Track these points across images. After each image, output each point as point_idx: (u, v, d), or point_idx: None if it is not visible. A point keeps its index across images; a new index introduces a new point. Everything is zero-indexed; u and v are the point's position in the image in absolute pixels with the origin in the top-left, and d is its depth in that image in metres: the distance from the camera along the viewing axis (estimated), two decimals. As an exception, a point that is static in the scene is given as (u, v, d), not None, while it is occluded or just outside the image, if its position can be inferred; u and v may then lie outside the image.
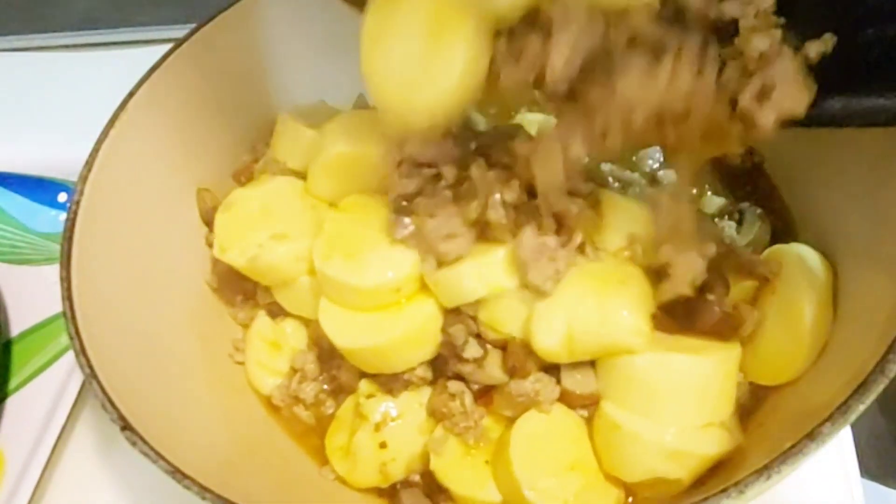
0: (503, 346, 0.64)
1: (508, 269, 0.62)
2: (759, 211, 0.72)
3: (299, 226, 0.70)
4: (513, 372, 0.63)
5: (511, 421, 0.63)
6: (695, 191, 0.76)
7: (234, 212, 0.72)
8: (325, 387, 0.72)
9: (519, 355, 0.62)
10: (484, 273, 0.62)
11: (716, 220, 0.72)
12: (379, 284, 0.63)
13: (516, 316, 0.62)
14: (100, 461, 0.76)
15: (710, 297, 0.62)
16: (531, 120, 0.82)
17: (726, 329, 0.62)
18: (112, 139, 0.69)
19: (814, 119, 0.47)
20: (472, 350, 0.63)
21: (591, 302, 0.60)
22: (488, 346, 0.64)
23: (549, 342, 0.60)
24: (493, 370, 0.64)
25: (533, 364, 0.63)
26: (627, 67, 0.48)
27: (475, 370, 0.64)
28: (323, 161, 0.71)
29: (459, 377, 0.65)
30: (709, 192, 0.77)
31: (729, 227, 0.72)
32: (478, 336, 0.64)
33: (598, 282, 0.61)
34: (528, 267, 0.60)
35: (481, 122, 0.81)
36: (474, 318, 0.64)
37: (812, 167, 0.70)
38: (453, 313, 0.64)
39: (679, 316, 0.62)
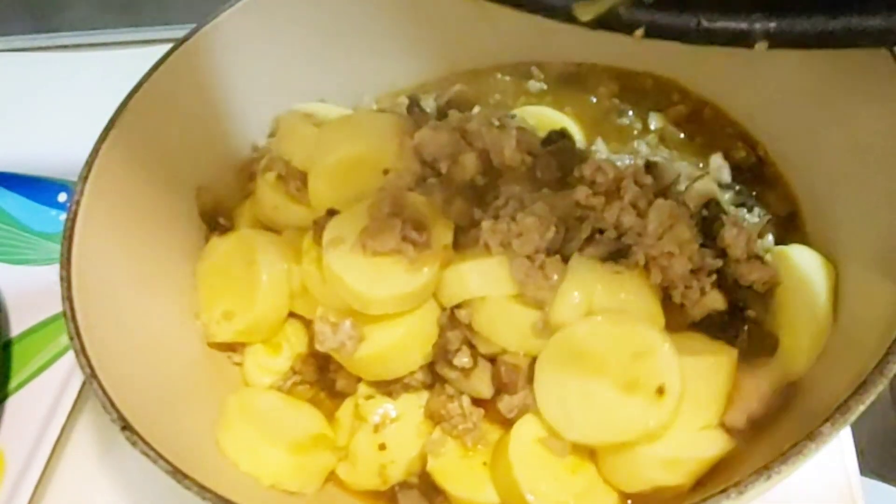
0: (493, 360, 0.64)
1: (506, 273, 0.62)
2: (768, 218, 0.72)
3: (246, 297, 0.70)
4: (502, 388, 0.63)
5: (509, 424, 0.63)
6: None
7: (209, 264, 0.74)
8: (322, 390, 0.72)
9: (510, 371, 0.62)
10: (484, 273, 0.63)
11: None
12: (393, 295, 0.63)
13: (511, 327, 0.63)
14: (100, 461, 0.75)
15: (750, 312, 0.63)
16: (530, 112, 0.82)
17: (766, 348, 0.62)
18: (112, 139, 0.69)
19: (814, 39, 0.46)
20: (463, 359, 0.63)
21: (612, 285, 0.61)
22: (480, 360, 0.64)
23: (569, 318, 0.60)
24: (480, 384, 0.64)
25: (523, 380, 0.63)
26: None
27: (460, 378, 0.64)
28: (322, 167, 0.71)
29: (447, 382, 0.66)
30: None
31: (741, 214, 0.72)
32: (472, 347, 0.64)
33: (615, 274, 0.62)
34: (524, 285, 0.61)
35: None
36: (470, 327, 0.64)
37: (819, 163, 0.70)
38: (452, 319, 0.65)
39: (715, 330, 0.63)
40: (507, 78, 0.88)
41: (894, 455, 1.08)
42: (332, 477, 0.67)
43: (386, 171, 0.70)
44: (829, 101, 0.67)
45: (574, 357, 0.59)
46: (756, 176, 0.75)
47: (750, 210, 0.73)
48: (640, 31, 0.47)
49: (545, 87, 0.87)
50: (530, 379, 0.62)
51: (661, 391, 0.56)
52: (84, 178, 0.66)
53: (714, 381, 0.60)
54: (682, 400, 0.57)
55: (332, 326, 0.64)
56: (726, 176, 0.74)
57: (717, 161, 0.75)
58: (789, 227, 0.72)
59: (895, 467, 1.08)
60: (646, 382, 0.57)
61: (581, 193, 0.65)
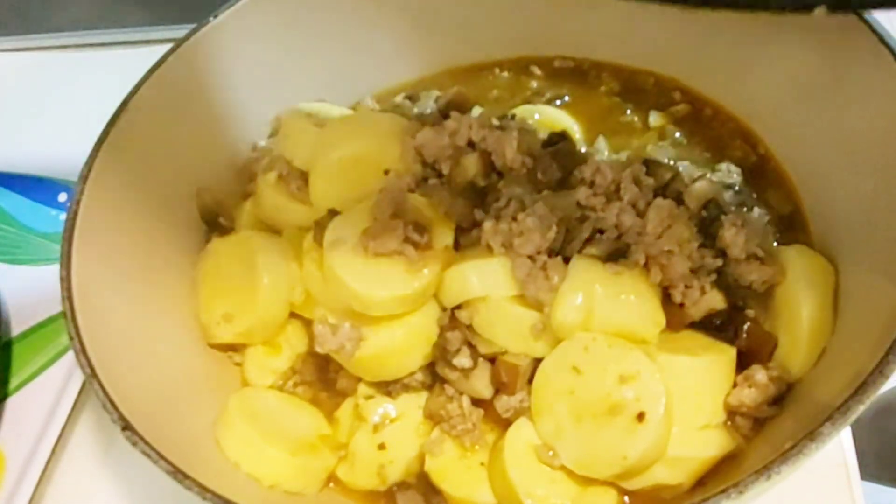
0: (493, 360, 0.64)
1: (508, 273, 0.62)
2: (768, 217, 0.72)
3: (246, 299, 0.70)
4: (500, 388, 0.63)
5: (508, 425, 0.63)
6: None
7: (209, 265, 0.74)
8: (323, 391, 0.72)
9: (509, 372, 0.63)
10: (485, 273, 0.63)
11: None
12: (395, 296, 0.63)
13: (511, 328, 0.63)
14: (100, 461, 0.75)
15: (750, 312, 0.63)
16: (530, 110, 0.82)
17: (764, 348, 0.63)
18: (112, 139, 0.69)
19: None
20: (463, 359, 0.64)
21: (612, 285, 0.61)
22: (479, 361, 0.64)
23: (570, 318, 0.60)
24: (480, 385, 0.64)
25: (521, 381, 0.63)
26: None
27: (460, 379, 0.64)
28: (323, 167, 0.71)
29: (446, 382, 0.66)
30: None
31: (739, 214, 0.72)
32: (472, 347, 0.64)
33: (616, 274, 0.62)
34: (525, 286, 0.61)
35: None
36: (470, 328, 0.64)
37: (820, 163, 0.70)
38: (453, 319, 0.65)
39: (715, 330, 0.63)
40: (506, 74, 0.88)
41: (890, 457, 1.08)
42: (331, 477, 0.67)
43: (387, 172, 0.70)
44: (830, 101, 0.67)
45: (569, 372, 0.59)
46: (756, 175, 0.75)
47: (750, 210, 0.73)
48: None
49: (545, 83, 0.87)
50: (529, 380, 0.62)
51: (640, 417, 0.56)
52: (84, 178, 0.66)
53: (714, 380, 0.60)
54: (665, 431, 0.57)
55: (331, 328, 0.64)
56: (735, 177, 0.74)
57: (726, 165, 0.75)
58: (790, 227, 0.72)
59: (891, 470, 1.08)
60: (627, 407, 0.57)
61: (581, 194, 0.65)
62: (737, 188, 0.74)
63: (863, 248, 0.62)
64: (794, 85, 0.71)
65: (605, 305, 0.60)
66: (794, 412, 0.59)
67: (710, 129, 0.80)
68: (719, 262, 0.64)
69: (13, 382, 0.79)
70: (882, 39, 0.60)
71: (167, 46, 0.75)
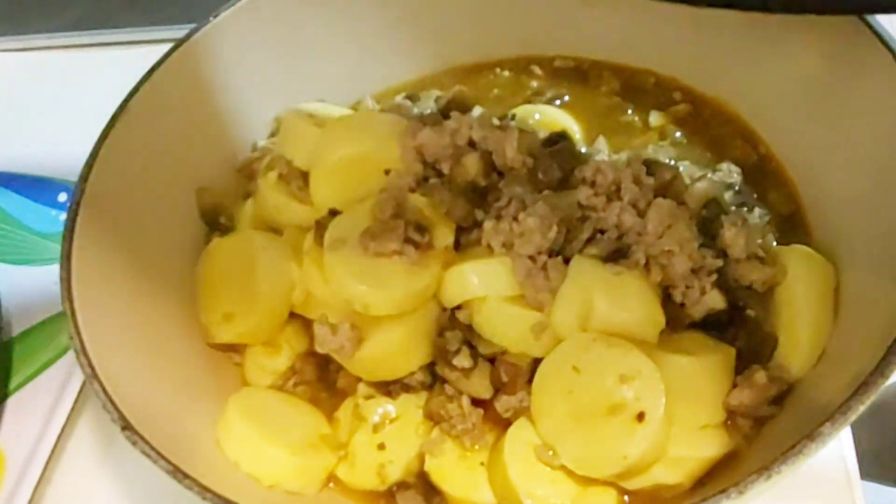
0: (493, 360, 0.64)
1: (508, 273, 0.63)
2: (769, 217, 0.72)
3: (246, 298, 0.70)
4: (501, 388, 0.63)
5: (508, 425, 0.63)
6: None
7: (209, 265, 0.74)
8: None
9: (509, 372, 0.63)
10: (485, 273, 0.63)
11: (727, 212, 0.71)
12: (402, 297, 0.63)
13: (511, 328, 0.63)
14: (100, 461, 0.76)
15: (750, 312, 0.63)
16: (530, 110, 0.82)
17: (764, 348, 0.62)
18: (112, 139, 0.69)
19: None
20: (463, 359, 0.64)
21: (612, 286, 0.61)
22: (479, 361, 0.64)
23: (570, 318, 0.60)
24: (480, 385, 0.64)
25: (522, 381, 0.63)
26: None
27: (460, 379, 0.64)
28: (324, 167, 0.71)
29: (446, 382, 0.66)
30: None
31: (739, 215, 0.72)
32: (471, 347, 0.64)
33: (616, 274, 0.62)
34: (525, 286, 0.62)
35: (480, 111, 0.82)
36: (470, 328, 0.64)
37: (821, 163, 0.70)
38: (452, 319, 0.65)
39: (715, 330, 0.63)
40: (507, 73, 0.88)
41: (890, 458, 1.08)
42: (331, 477, 0.67)
43: (387, 172, 0.70)
44: (830, 101, 0.67)
45: (569, 372, 0.59)
46: (757, 175, 0.75)
47: (751, 210, 0.72)
48: None
49: (545, 83, 0.87)
50: (529, 380, 0.62)
51: (640, 417, 0.56)
52: (84, 178, 0.66)
53: (713, 380, 0.60)
54: (665, 431, 0.57)
55: (331, 328, 0.64)
56: (736, 177, 0.74)
57: (727, 165, 0.75)
58: (790, 227, 0.72)
59: (892, 470, 1.08)
60: (627, 407, 0.57)
61: (582, 194, 0.65)
62: (737, 188, 0.74)
63: (863, 248, 0.62)
64: (794, 85, 0.71)
65: (605, 305, 0.60)
66: (794, 412, 0.59)
67: (711, 129, 0.80)
68: (719, 262, 0.64)
69: (13, 382, 0.79)
70: (883, 40, 0.60)
71: (167, 46, 0.75)
